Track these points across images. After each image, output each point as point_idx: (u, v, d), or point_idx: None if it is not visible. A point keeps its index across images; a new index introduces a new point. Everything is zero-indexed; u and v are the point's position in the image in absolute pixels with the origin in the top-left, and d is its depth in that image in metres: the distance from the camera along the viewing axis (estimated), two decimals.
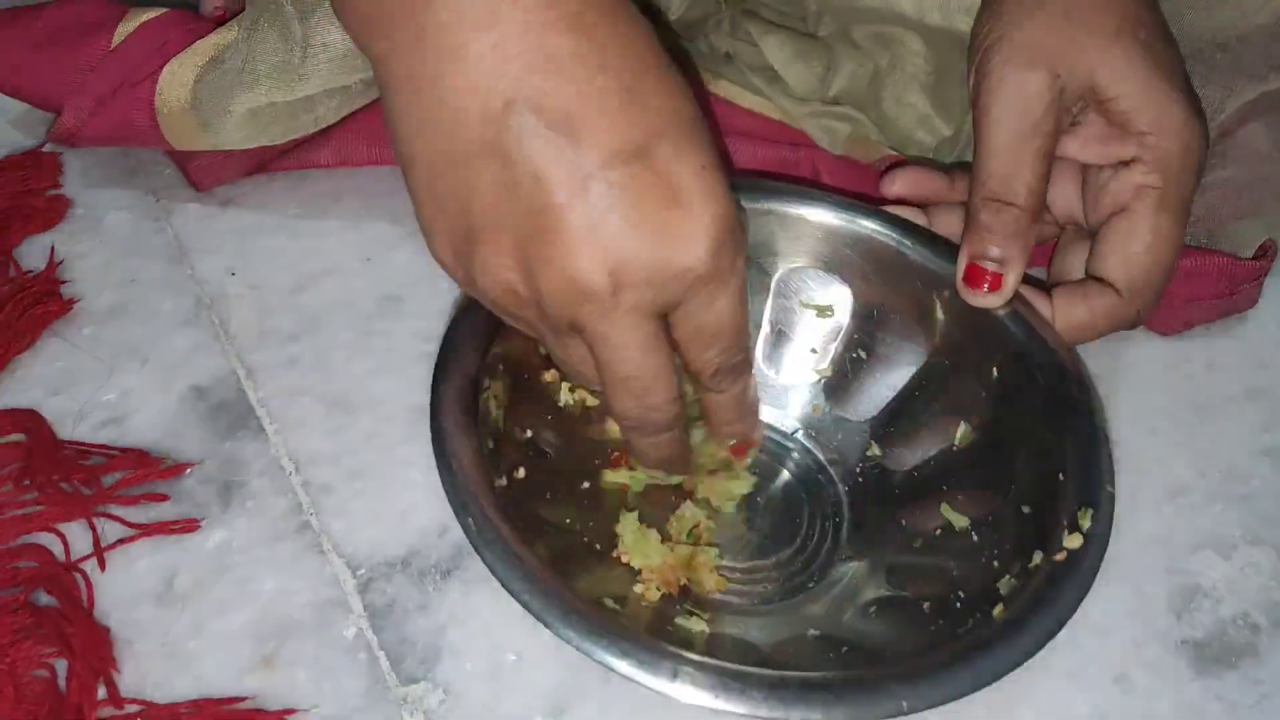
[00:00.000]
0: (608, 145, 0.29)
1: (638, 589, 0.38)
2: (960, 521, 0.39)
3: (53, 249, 0.47)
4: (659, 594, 0.38)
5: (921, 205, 0.45)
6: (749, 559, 0.40)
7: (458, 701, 0.36)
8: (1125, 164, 0.40)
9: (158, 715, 0.34)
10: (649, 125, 0.29)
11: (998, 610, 0.34)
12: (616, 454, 0.41)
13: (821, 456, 0.43)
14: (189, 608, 0.37)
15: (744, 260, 0.33)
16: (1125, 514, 0.42)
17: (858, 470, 0.42)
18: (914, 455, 0.42)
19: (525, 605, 0.32)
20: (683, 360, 0.35)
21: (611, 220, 0.29)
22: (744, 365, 0.36)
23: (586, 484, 0.41)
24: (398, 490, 0.40)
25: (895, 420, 0.43)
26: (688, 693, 0.30)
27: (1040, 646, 0.33)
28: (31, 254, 0.47)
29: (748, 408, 0.39)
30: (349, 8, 0.31)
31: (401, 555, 0.39)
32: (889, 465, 0.42)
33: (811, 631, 0.37)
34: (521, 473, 0.37)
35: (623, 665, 0.31)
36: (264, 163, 0.50)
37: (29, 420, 0.41)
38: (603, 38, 0.29)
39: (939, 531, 0.39)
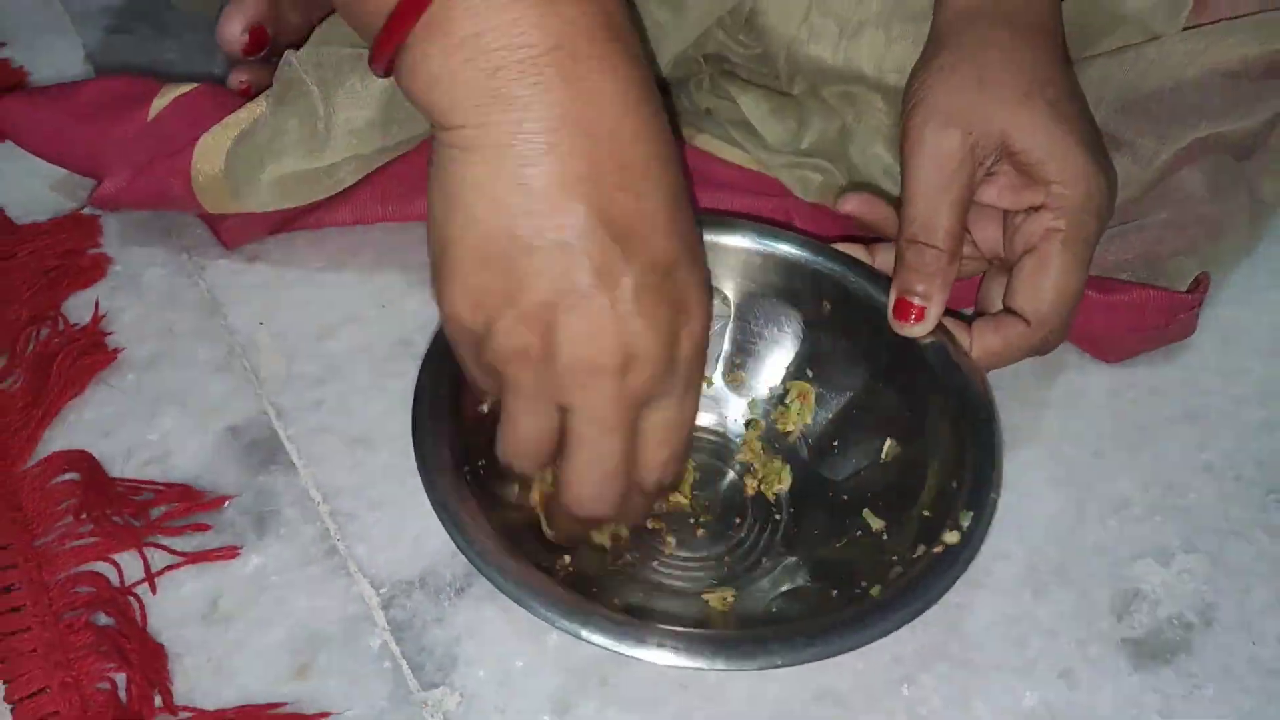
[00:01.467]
0: (649, 259, 0.35)
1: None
2: (877, 524, 0.44)
3: (96, 304, 0.52)
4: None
5: (865, 240, 0.50)
6: (690, 550, 0.45)
7: (473, 704, 0.40)
8: (1035, 209, 0.44)
9: None
10: (678, 246, 0.36)
11: (875, 590, 0.39)
12: None
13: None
14: (231, 626, 0.42)
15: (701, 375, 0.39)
16: (1073, 527, 0.47)
17: (797, 477, 0.48)
18: (847, 466, 0.47)
19: (473, 562, 0.38)
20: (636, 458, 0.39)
21: (636, 317, 0.35)
22: (679, 477, 0.43)
23: None
24: (413, 517, 0.45)
25: (834, 434, 0.48)
26: (595, 638, 0.37)
27: (905, 623, 0.38)
28: (77, 309, 0.52)
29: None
30: (431, 75, 0.33)
31: (419, 574, 0.43)
32: (825, 474, 0.47)
33: (733, 611, 0.42)
34: (483, 462, 0.43)
35: (544, 610, 0.37)
36: (287, 221, 0.54)
37: (82, 461, 0.46)
38: (662, 154, 0.35)
39: (860, 533, 0.44)
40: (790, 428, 0.48)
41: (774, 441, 0.49)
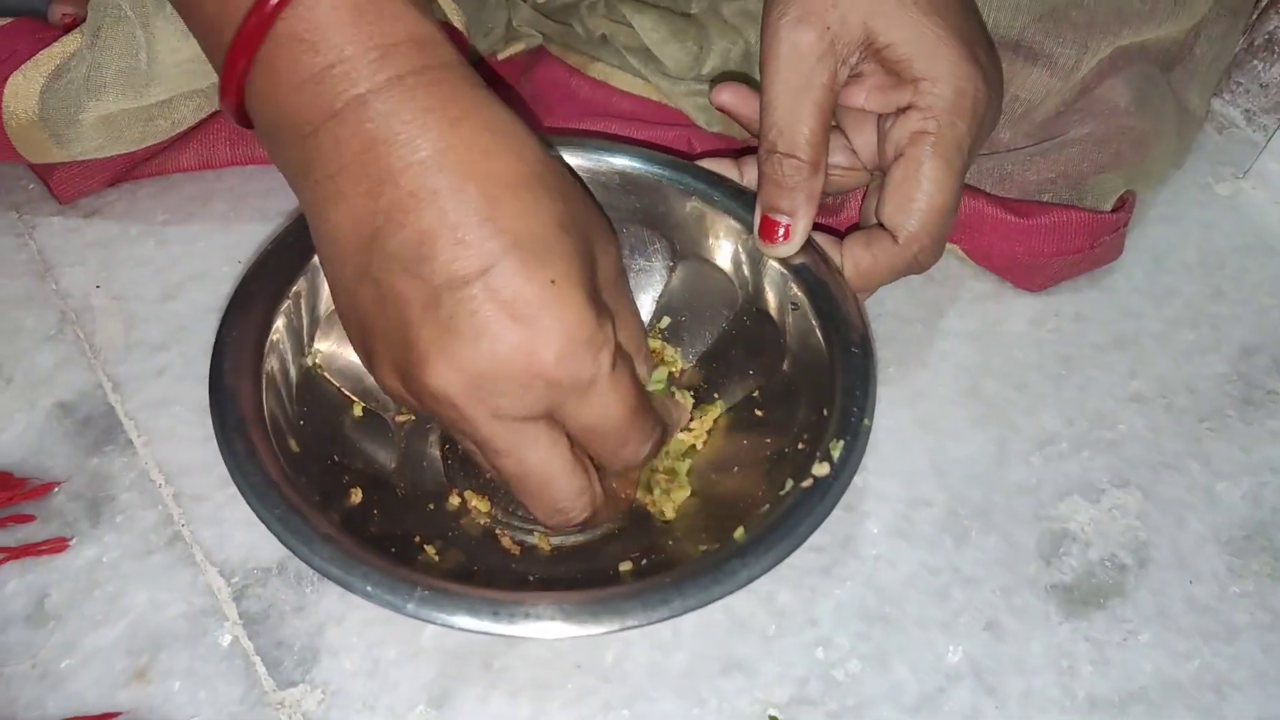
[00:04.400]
0: (450, 269, 0.30)
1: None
2: (757, 459, 0.40)
3: None
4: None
5: (733, 154, 0.45)
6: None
7: (336, 701, 0.36)
8: (904, 110, 0.40)
9: None
10: (496, 247, 0.31)
11: (739, 533, 0.35)
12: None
13: None
14: (60, 627, 0.37)
15: (611, 358, 0.33)
16: (993, 466, 0.44)
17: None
18: (725, 400, 0.43)
19: (266, 523, 0.33)
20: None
21: (456, 337, 0.31)
22: (654, 449, 0.37)
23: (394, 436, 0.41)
24: None
25: (709, 370, 0.44)
26: (411, 609, 0.32)
27: (770, 567, 0.34)
28: None
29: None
30: (278, 162, 0.33)
31: (277, 560, 0.39)
32: (696, 415, 0.43)
33: (621, 566, 0.38)
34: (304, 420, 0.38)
35: (338, 573, 0.32)
36: (127, 171, 0.49)
37: None
38: (464, 167, 0.31)
39: (736, 469, 0.41)
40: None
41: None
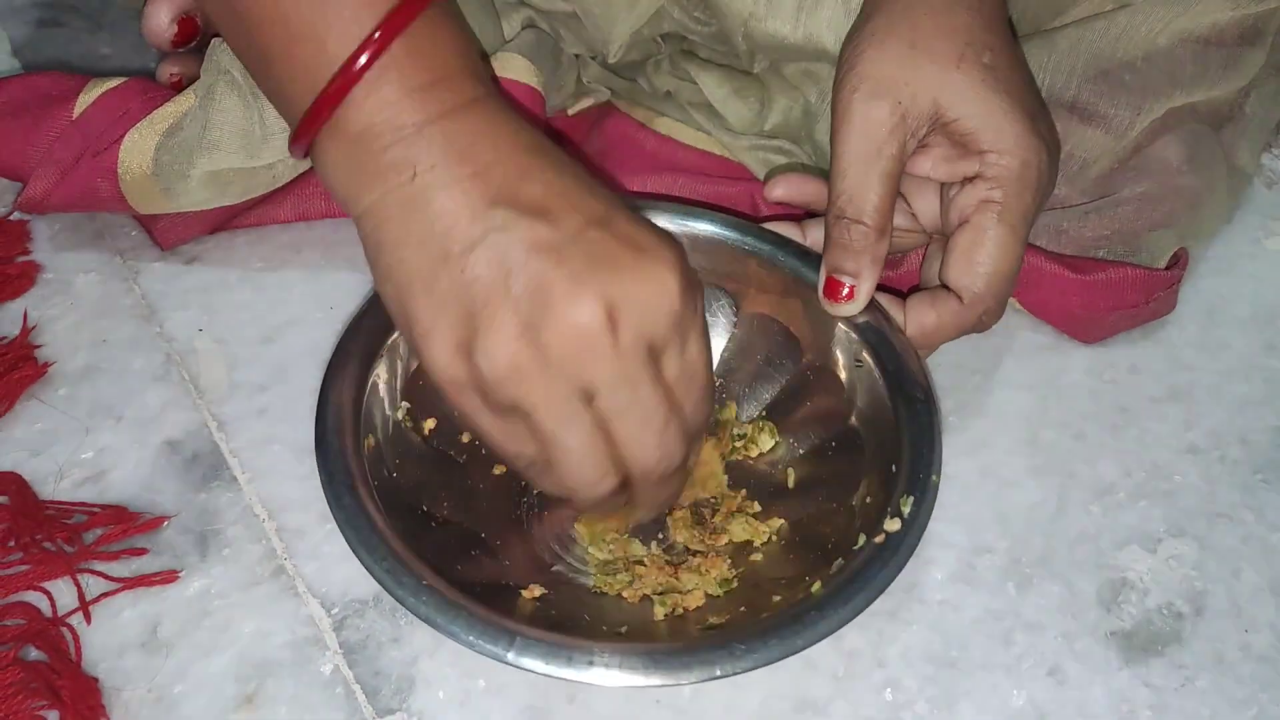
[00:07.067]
0: (578, 218, 0.35)
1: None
2: (823, 510, 0.42)
3: (25, 315, 0.49)
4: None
5: (797, 217, 0.48)
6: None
7: None
8: (970, 180, 0.42)
9: None
10: (603, 203, 0.36)
11: (816, 587, 0.37)
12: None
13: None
14: (173, 654, 0.39)
15: (703, 308, 0.37)
16: (1054, 515, 0.45)
17: (737, 467, 0.46)
18: (782, 455, 0.45)
19: (373, 574, 0.36)
20: None
21: (595, 271, 0.34)
22: (709, 415, 0.39)
23: (480, 485, 0.43)
24: None
25: (773, 422, 0.46)
26: (512, 657, 0.35)
27: (847, 621, 0.36)
28: (4, 320, 0.49)
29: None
30: (337, 168, 0.36)
31: (374, 592, 0.41)
32: (761, 466, 0.45)
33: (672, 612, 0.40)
34: (395, 473, 0.41)
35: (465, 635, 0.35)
36: (226, 220, 0.52)
37: (11, 483, 0.43)
38: (555, 156, 0.37)
39: (801, 519, 0.43)
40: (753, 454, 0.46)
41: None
